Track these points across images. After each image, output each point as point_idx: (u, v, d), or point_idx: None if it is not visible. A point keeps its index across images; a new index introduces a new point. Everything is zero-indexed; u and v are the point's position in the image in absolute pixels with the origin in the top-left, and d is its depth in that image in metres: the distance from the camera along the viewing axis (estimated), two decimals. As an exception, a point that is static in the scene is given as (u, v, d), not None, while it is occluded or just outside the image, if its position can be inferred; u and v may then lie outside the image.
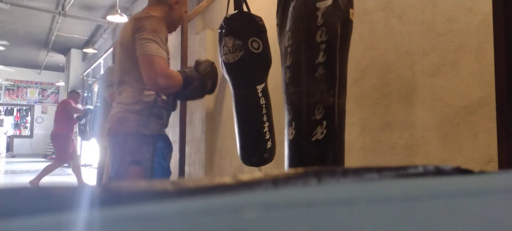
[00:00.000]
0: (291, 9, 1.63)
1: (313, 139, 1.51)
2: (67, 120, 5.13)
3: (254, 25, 2.16)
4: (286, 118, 1.66)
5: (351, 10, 1.59)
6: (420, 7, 2.21)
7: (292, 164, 1.61)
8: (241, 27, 2.18)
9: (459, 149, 1.99)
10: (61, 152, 5.06)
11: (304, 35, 1.56)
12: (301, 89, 1.56)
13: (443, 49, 2.08)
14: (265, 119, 2.25)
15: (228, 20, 2.22)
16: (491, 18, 1.22)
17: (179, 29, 4.89)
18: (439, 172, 0.26)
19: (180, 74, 1.52)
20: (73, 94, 5.54)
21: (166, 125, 1.65)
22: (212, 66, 1.68)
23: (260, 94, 2.23)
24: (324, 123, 1.51)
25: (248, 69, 2.19)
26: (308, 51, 1.54)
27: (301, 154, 1.58)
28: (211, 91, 1.69)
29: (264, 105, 2.25)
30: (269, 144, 2.27)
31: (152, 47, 1.43)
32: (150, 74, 1.42)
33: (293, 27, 1.60)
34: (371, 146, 2.49)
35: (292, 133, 1.59)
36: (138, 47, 1.44)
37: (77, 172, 5.13)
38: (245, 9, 2.31)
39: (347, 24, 1.58)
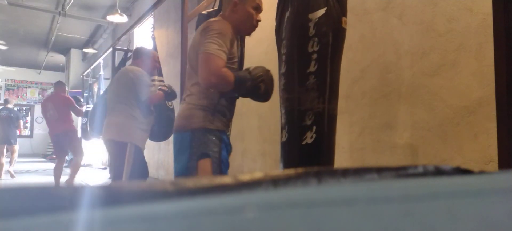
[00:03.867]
0: (286, 18, 1.69)
1: (303, 142, 1.61)
2: (70, 115, 5.01)
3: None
4: (280, 121, 1.74)
5: (344, 19, 1.65)
6: (420, 7, 2.21)
7: (283, 165, 1.71)
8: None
9: (459, 149, 1.99)
10: (77, 147, 4.93)
11: (297, 45, 1.63)
12: (294, 97, 1.64)
13: (443, 49, 2.08)
14: None
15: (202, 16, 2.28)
16: (491, 18, 1.22)
17: (179, 29, 4.89)
18: (439, 172, 0.26)
19: (233, 75, 1.58)
20: (61, 85, 5.28)
21: (228, 125, 1.73)
22: (265, 71, 1.70)
23: None
24: (314, 128, 1.60)
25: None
26: (301, 60, 1.62)
27: (291, 156, 1.67)
28: (265, 96, 1.71)
29: None
30: None
31: (211, 47, 1.52)
32: (204, 71, 1.51)
33: (288, 36, 1.67)
34: (371, 146, 2.49)
35: (285, 136, 1.69)
36: (200, 47, 1.56)
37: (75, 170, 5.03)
38: None
39: (339, 33, 1.65)
